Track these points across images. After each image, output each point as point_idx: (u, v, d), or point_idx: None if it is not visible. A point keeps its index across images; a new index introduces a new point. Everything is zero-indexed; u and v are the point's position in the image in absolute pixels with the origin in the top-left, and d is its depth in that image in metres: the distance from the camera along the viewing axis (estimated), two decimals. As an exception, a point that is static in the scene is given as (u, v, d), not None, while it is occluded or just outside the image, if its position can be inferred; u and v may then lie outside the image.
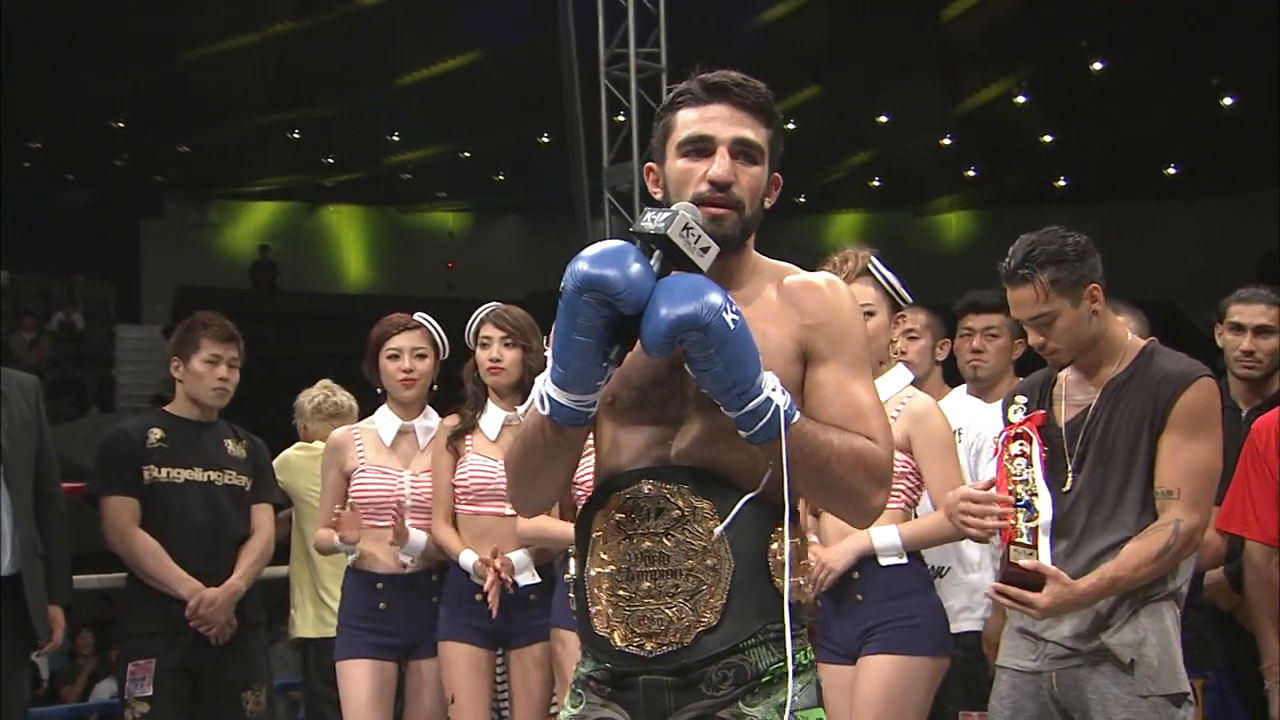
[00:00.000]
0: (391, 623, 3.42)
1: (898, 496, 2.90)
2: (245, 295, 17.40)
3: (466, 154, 17.72)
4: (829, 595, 2.96)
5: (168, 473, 3.60)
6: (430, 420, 3.58)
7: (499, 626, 3.32)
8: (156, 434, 3.63)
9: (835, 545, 2.90)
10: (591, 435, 1.85)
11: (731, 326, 1.61)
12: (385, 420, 3.57)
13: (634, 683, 1.75)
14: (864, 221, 20.64)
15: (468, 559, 3.31)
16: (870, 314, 2.95)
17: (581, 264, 1.61)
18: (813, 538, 2.89)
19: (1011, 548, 2.51)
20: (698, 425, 1.76)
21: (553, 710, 3.34)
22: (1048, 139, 17.74)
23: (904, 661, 2.81)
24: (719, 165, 1.75)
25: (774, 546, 1.75)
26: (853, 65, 14.88)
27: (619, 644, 1.75)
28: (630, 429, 1.79)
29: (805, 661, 1.77)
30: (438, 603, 3.42)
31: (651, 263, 1.64)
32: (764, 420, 1.65)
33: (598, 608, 1.77)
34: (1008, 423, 2.67)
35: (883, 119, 16.99)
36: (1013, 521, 2.51)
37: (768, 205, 1.83)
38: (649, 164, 1.87)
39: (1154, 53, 14.24)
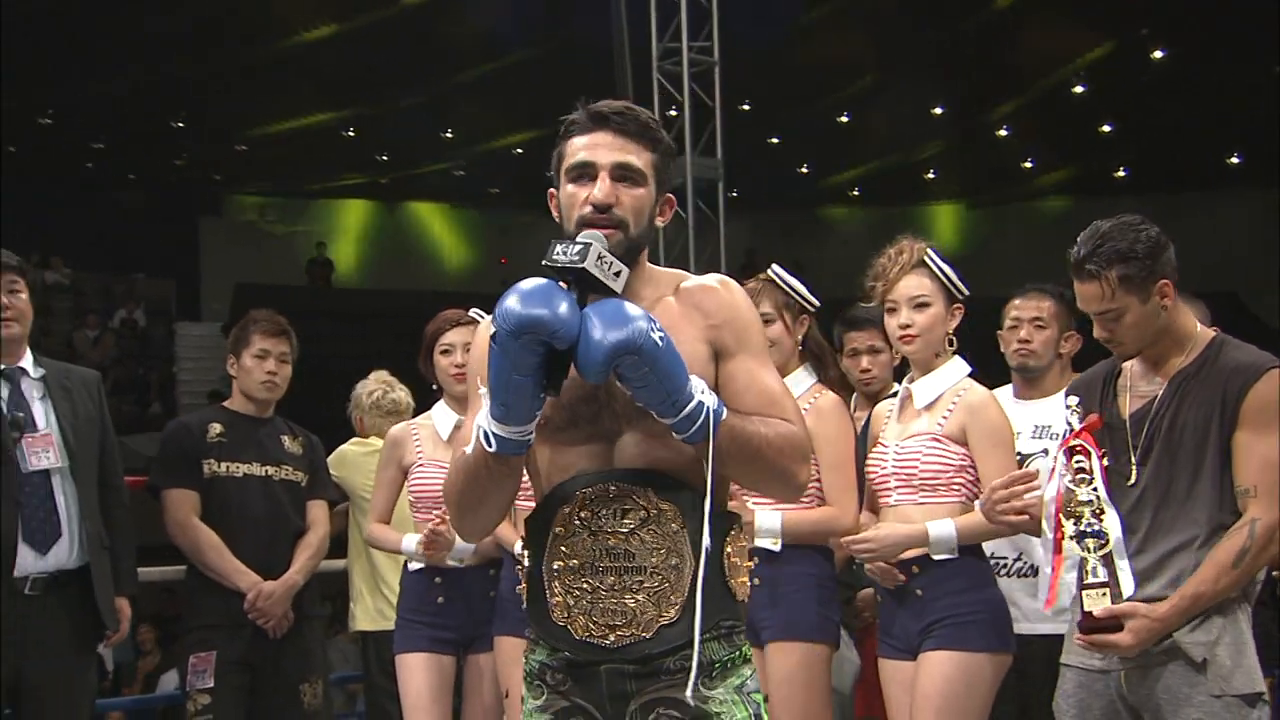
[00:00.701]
0: (449, 616, 3.43)
1: (956, 491, 2.87)
2: (302, 292, 17.58)
3: (520, 150, 17.81)
4: (888, 592, 2.93)
5: (227, 467, 3.65)
6: (486, 415, 3.58)
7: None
8: (216, 429, 3.68)
9: (889, 527, 2.87)
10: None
11: (660, 344, 1.71)
12: (442, 416, 3.59)
13: (596, 672, 1.86)
14: (925, 214, 20.39)
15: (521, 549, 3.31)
16: (926, 305, 2.93)
17: (513, 306, 1.68)
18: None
19: (1085, 595, 2.46)
20: (632, 435, 1.87)
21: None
22: (1106, 129, 17.48)
23: (964, 658, 2.78)
24: (599, 188, 1.86)
25: (728, 549, 1.88)
26: (905, 58, 14.76)
27: (579, 634, 1.85)
28: (567, 448, 1.88)
29: (748, 653, 1.91)
30: (495, 597, 3.42)
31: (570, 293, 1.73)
32: (698, 423, 1.76)
33: (556, 599, 1.86)
34: (1068, 426, 2.61)
35: (938, 110, 16.83)
36: (1084, 557, 2.46)
37: (660, 224, 1.96)
38: (550, 189, 1.96)
39: (1215, 40, 13.98)
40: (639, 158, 1.90)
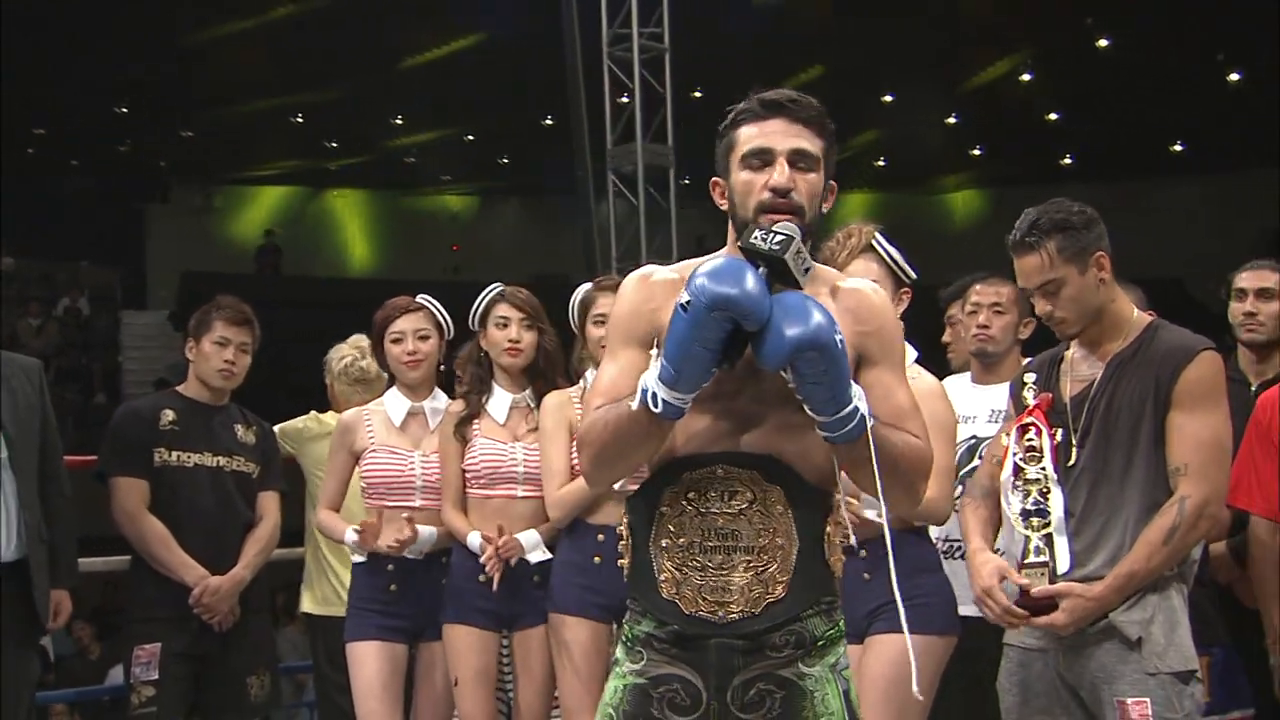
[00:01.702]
0: (401, 605, 3.42)
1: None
2: (250, 280, 17.41)
3: (470, 137, 17.72)
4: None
5: (177, 456, 3.59)
6: (439, 402, 3.58)
7: (503, 608, 3.31)
8: (169, 415, 3.62)
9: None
10: None
11: (839, 345, 1.78)
12: (394, 402, 3.57)
13: (705, 645, 1.93)
14: (870, 201, 20.57)
15: (474, 540, 3.31)
16: None
17: (709, 282, 1.75)
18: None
19: (1024, 573, 2.53)
20: (767, 419, 1.93)
21: (555, 694, 3.34)
22: (1053, 117, 17.68)
23: (913, 640, 2.80)
24: (779, 173, 1.92)
25: (828, 530, 1.96)
26: (855, 44, 14.83)
27: (688, 610, 1.93)
28: (701, 418, 1.94)
29: (844, 629, 2.02)
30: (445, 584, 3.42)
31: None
32: (850, 425, 1.82)
33: (665, 575, 1.95)
34: (1021, 403, 2.67)
35: (887, 98, 16.94)
36: (1027, 534, 2.52)
37: (825, 210, 1.99)
38: (714, 179, 2.02)
39: (1159, 30, 14.18)
40: (812, 144, 1.95)
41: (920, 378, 2.95)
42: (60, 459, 3.49)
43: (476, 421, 3.42)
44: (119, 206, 17.64)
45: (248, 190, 20.16)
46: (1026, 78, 16.42)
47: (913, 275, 3.00)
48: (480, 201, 20.74)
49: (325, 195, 20.65)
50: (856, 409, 1.82)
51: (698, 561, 1.93)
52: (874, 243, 2.97)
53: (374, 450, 3.51)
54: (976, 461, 3.16)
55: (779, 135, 1.93)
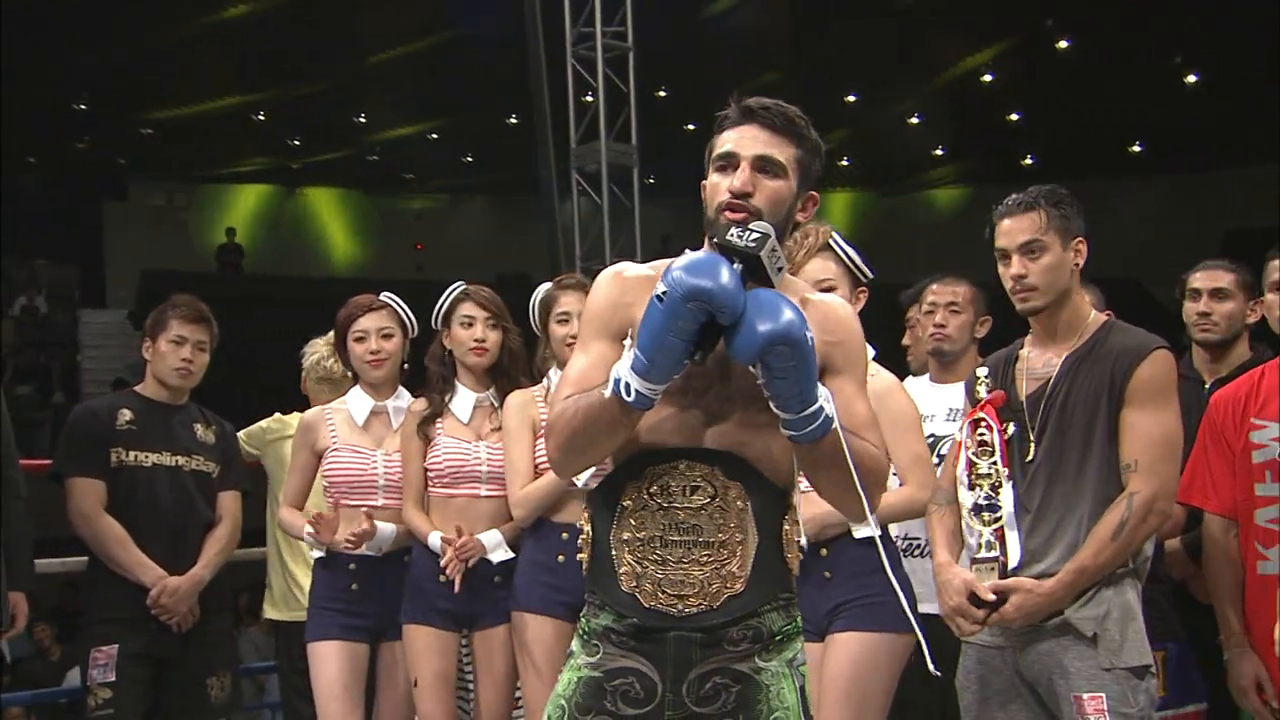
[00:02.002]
0: (363, 604, 3.41)
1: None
2: (211, 279, 17.27)
3: (435, 135, 17.65)
4: (799, 575, 2.96)
5: (135, 456, 3.56)
6: (402, 401, 3.57)
7: (463, 608, 3.31)
8: (126, 415, 3.59)
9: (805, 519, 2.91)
10: None
11: (810, 343, 1.82)
12: (357, 400, 3.56)
13: (664, 638, 1.97)
14: (835, 201, 20.67)
15: (435, 539, 3.31)
16: (830, 288, 2.96)
17: (686, 274, 1.79)
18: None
19: (975, 569, 2.57)
20: (731, 417, 1.98)
21: (516, 695, 3.34)
22: (1014, 117, 17.82)
23: (872, 638, 2.82)
24: (738, 177, 1.99)
25: (786, 526, 2.00)
26: (820, 44, 14.89)
27: (648, 602, 1.97)
28: (668, 412, 1.98)
29: (801, 625, 2.06)
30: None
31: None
32: (814, 425, 1.86)
33: (625, 568, 1.98)
34: (975, 398, 2.70)
35: (850, 98, 17.02)
36: (979, 529, 2.55)
37: (803, 219, 2.08)
38: (703, 180, 2.08)
39: (1118, 31, 14.32)
40: (781, 152, 2.01)
41: (879, 374, 2.97)
42: (15, 460, 3.43)
43: (440, 420, 3.41)
44: (77, 203, 17.42)
45: (210, 189, 19.98)
46: (988, 78, 16.53)
47: (869, 274, 3.02)
48: (445, 200, 20.68)
49: (291, 194, 20.50)
50: (822, 409, 1.86)
51: (658, 555, 1.96)
52: (831, 242, 2.99)
53: (336, 449, 3.50)
54: (936, 460, 3.19)
55: (747, 141, 2.00)
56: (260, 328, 13.79)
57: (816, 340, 1.92)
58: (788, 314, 1.80)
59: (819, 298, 2.07)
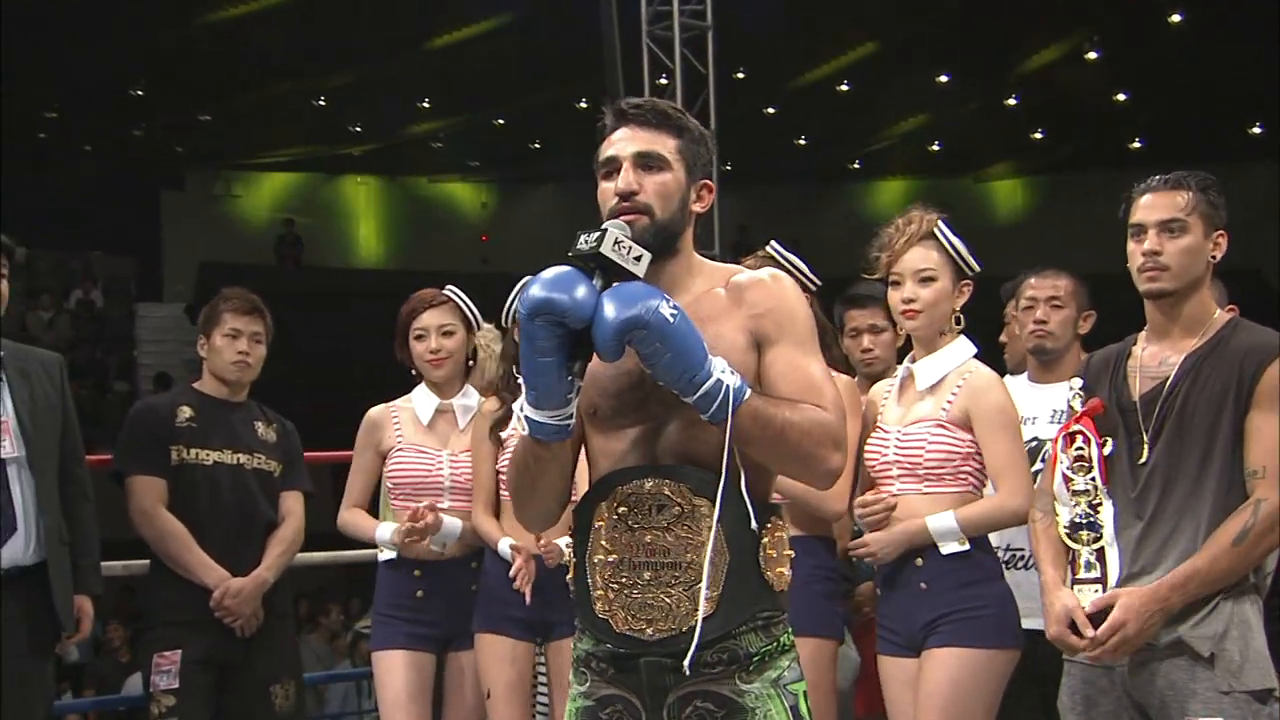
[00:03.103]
0: (429, 612, 3.45)
1: (963, 479, 2.89)
2: (270, 271, 17.53)
3: (500, 121, 17.74)
4: (889, 585, 2.96)
5: (196, 454, 3.63)
6: (470, 399, 3.60)
7: (538, 617, 3.33)
8: (186, 412, 3.67)
9: (887, 530, 2.89)
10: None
11: (671, 320, 1.87)
12: (422, 399, 3.60)
13: (636, 664, 2.02)
14: (916, 188, 20.43)
15: (505, 546, 3.33)
16: (931, 279, 2.94)
17: (531, 290, 1.88)
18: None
19: (1077, 590, 2.55)
20: (675, 422, 2.03)
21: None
22: (1121, 98, 17.49)
23: (973, 655, 2.80)
24: (621, 178, 2.06)
25: (765, 540, 2.01)
26: (911, 20, 14.74)
27: (620, 628, 2.01)
28: (615, 435, 2.07)
29: (788, 642, 2.06)
30: (476, 591, 3.44)
31: (595, 282, 1.90)
32: (717, 400, 1.91)
33: (598, 592, 2.03)
34: (1070, 410, 2.66)
35: (942, 79, 16.83)
36: (1077, 549, 2.53)
37: (699, 209, 2.12)
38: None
39: (1233, 4, 14.00)
40: (661, 145, 2.08)
41: (977, 370, 2.94)
42: (82, 460, 3.52)
43: (513, 423, 3.43)
44: (134, 193, 17.75)
45: (267, 176, 20.26)
46: (1093, 56, 16.24)
47: (976, 267, 2.99)
48: (510, 189, 20.77)
49: (347, 182, 20.72)
50: (720, 381, 1.90)
51: (628, 578, 2.01)
52: (936, 230, 2.96)
53: (400, 449, 3.53)
54: (1040, 465, 3.15)
55: (624, 142, 2.08)
56: (318, 322, 13.95)
57: (742, 318, 2.03)
58: (636, 300, 1.86)
59: (745, 275, 2.11)
